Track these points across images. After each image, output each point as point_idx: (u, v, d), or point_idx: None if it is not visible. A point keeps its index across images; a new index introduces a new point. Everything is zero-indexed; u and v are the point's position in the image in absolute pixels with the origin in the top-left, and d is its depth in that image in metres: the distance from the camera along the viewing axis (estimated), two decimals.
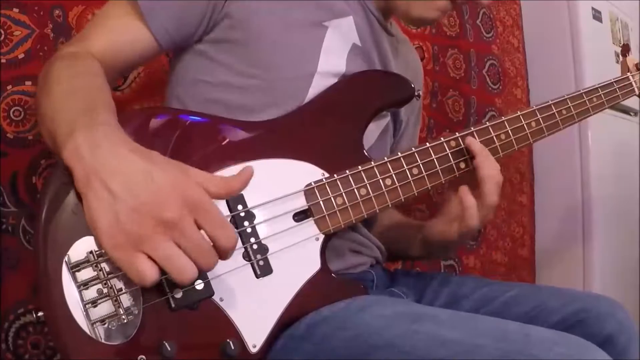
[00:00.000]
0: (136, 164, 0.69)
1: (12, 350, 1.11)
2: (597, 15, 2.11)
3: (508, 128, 1.04)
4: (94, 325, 0.75)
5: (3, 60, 1.13)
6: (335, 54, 1.01)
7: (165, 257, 0.66)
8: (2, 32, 1.13)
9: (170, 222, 0.66)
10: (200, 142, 0.88)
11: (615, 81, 1.21)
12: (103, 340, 0.75)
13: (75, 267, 0.75)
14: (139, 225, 0.66)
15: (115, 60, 0.94)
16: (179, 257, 0.67)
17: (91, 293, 0.75)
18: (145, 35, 0.95)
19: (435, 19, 1.07)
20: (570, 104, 1.12)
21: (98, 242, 0.68)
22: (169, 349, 0.75)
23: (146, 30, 0.94)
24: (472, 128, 1.02)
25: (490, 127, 1.03)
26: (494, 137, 1.03)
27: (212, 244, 0.69)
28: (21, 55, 1.15)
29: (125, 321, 0.75)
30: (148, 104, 1.31)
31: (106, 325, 0.75)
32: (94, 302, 0.75)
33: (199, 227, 0.68)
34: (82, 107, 0.76)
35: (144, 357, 0.75)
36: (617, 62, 2.14)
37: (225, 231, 0.69)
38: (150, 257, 0.66)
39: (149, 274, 0.66)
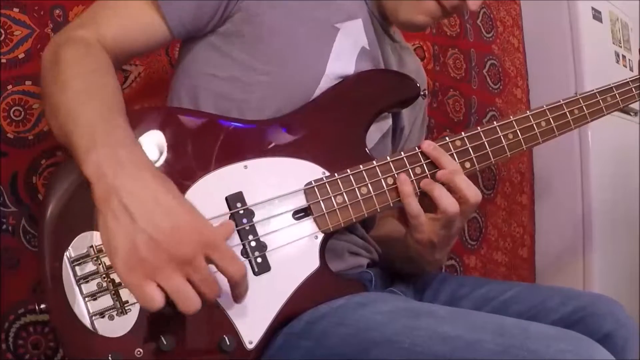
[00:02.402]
0: (158, 193, 0.71)
1: (13, 351, 1.11)
2: (597, 15, 2.10)
3: (516, 128, 1.02)
4: (93, 318, 0.76)
5: (3, 60, 1.13)
6: (344, 57, 1.01)
7: (175, 290, 0.70)
8: (2, 32, 1.13)
9: (184, 259, 0.69)
10: (202, 140, 0.88)
11: (631, 80, 1.17)
12: (101, 333, 0.76)
13: (76, 261, 0.77)
14: (155, 256, 0.68)
15: (123, 47, 0.93)
16: (187, 291, 0.70)
17: (91, 287, 0.77)
18: (158, 24, 0.94)
19: (425, 24, 1.05)
20: (582, 104, 1.09)
21: (111, 263, 0.70)
22: (165, 343, 0.76)
23: (160, 19, 0.94)
24: (478, 128, 0.99)
25: (497, 127, 1.01)
26: (502, 137, 1.00)
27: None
28: (21, 55, 1.15)
29: (123, 315, 0.77)
30: (148, 104, 1.31)
31: (105, 319, 0.77)
32: (94, 296, 0.77)
33: (209, 262, 0.72)
34: (101, 114, 0.77)
35: (141, 350, 0.76)
36: (617, 62, 2.14)
37: (236, 264, 0.74)
38: (159, 285, 0.69)
39: (157, 301, 0.69)
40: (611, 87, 1.14)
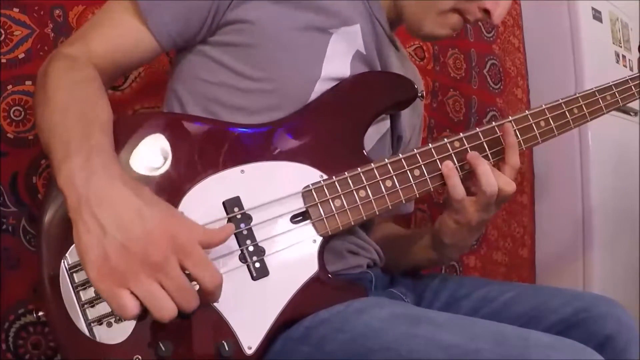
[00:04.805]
0: (129, 199, 0.71)
1: (13, 351, 1.11)
2: (597, 15, 2.10)
3: (515, 127, 1.01)
4: (91, 325, 0.76)
5: (3, 60, 1.13)
6: (338, 59, 1.00)
7: (147, 296, 0.69)
8: (2, 32, 1.13)
9: (156, 264, 0.69)
10: (198, 145, 0.88)
11: (630, 78, 1.16)
12: (99, 340, 0.76)
13: (73, 268, 0.77)
14: (126, 263, 0.68)
15: (115, 62, 0.94)
16: (160, 297, 0.70)
17: (89, 293, 0.77)
18: (146, 37, 0.94)
19: (447, 36, 1.06)
20: (582, 102, 1.07)
21: (85, 272, 0.70)
22: (163, 349, 0.76)
23: (147, 32, 0.94)
24: (477, 129, 0.99)
25: (496, 127, 1.00)
26: (500, 137, 0.99)
27: (195, 285, 0.73)
28: (21, 55, 1.15)
29: (121, 321, 0.77)
30: (148, 104, 1.31)
31: (103, 325, 0.77)
32: (91, 303, 0.77)
33: (183, 269, 0.71)
34: (78, 127, 0.77)
35: (139, 357, 0.76)
36: (617, 62, 2.14)
37: (209, 272, 0.73)
38: (132, 293, 0.69)
39: (130, 308, 0.69)
40: (610, 86, 1.13)
